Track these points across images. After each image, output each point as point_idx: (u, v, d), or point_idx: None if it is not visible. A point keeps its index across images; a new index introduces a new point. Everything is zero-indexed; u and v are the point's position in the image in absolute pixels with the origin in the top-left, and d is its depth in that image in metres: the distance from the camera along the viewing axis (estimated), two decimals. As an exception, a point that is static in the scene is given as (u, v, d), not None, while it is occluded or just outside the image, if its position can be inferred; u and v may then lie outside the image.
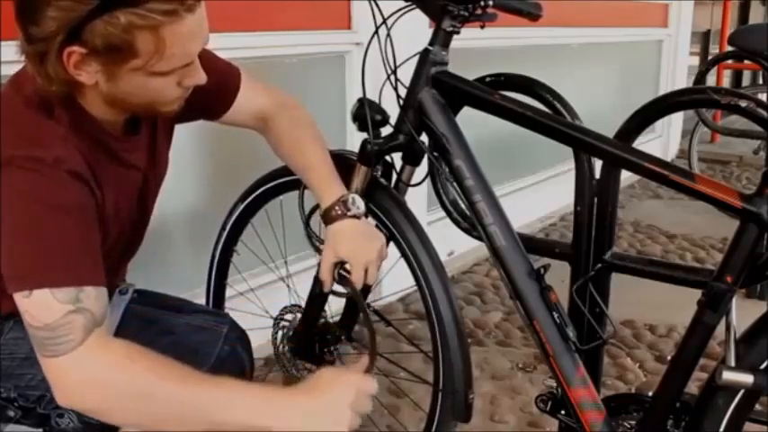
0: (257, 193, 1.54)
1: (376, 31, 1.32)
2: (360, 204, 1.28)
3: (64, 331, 0.92)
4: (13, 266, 0.95)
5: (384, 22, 1.32)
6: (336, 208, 1.26)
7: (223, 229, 1.61)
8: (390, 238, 1.34)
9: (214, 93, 1.08)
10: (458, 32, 1.31)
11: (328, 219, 1.26)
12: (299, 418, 0.96)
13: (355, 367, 1.04)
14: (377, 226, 1.35)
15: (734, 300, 1.09)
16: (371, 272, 1.26)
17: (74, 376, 0.94)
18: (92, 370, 0.93)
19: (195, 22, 0.94)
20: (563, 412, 1.32)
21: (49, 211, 0.94)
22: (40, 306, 0.92)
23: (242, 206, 1.57)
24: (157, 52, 0.93)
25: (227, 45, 1.58)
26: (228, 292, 1.70)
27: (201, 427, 0.94)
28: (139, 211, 1.20)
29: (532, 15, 1.33)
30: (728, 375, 1.06)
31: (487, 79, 1.37)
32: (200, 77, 1.03)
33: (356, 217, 1.26)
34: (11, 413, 1.13)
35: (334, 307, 1.52)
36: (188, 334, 1.26)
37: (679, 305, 1.27)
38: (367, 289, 1.36)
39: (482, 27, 1.31)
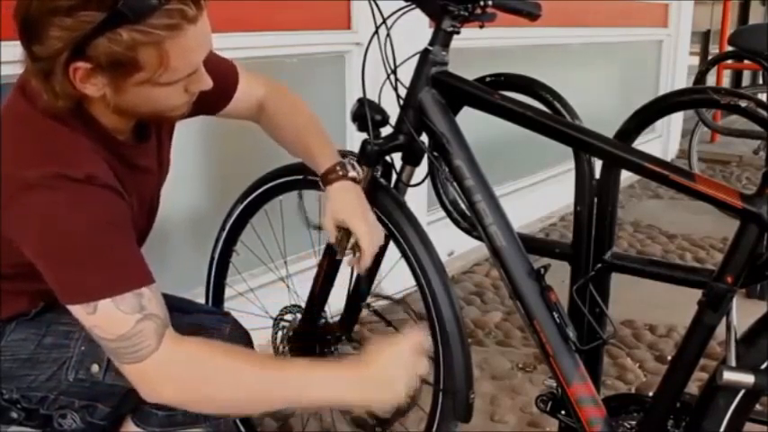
0: (257, 193, 1.54)
1: (376, 31, 1.32)
2: (358, 170, 1.31)
3: (139, 339, 0.95)
4: (67, 283, 0.97)
5: (384, 22, 1.32)
6: (338, 168, 1.28)
7: (222, 229, 1.61)
8: (391, 237, 1.34)
9: (215, 91, 1.08)
10: (458, 32, 1.31)
11: (330, 179, 1.28)
12: (365, 389, 1.01)
13: (403, 335, 1.07)
14: None
15: (734, 300, 1.09)
16: (378, 233, 1.28)
17: (161, 376, 0.98)
18: (178, 368, 0.98)
19: (198, 32, 0.94)
20: (563, 412, 1.32)
21: (91, 224, 0.95)
22: (109, 319, 0.95)
23: (241, 206, 1.57)
24: (162, 65, 0.93)
25: (227, 45, 1.58)
26: (228, 292, 1.70)
27: (282, 405, 1.04)
28: (149, 211, 1.21)
29: (532, 15, 1.33)
30: (729, 375, 1.06)
31: (487, 79, 1.37)
32: (207, 83, 1.04)
33: (355, 180, 1.29)
34: (14, 415, 1.13)
35: (334, 307, 1.52)
36: (191, 334, 1.26)
37: (679, 305, 1.27)
38: (377, 264, 1.38)
39: (481, 27, 1.31)
